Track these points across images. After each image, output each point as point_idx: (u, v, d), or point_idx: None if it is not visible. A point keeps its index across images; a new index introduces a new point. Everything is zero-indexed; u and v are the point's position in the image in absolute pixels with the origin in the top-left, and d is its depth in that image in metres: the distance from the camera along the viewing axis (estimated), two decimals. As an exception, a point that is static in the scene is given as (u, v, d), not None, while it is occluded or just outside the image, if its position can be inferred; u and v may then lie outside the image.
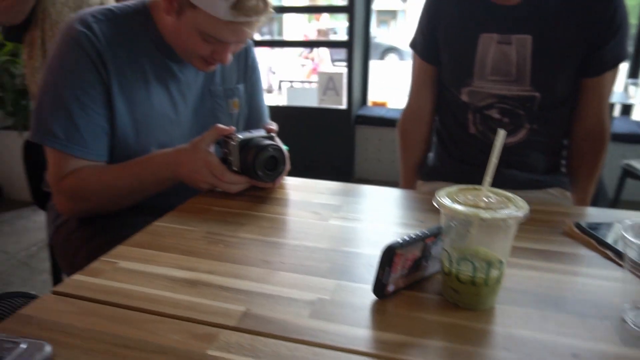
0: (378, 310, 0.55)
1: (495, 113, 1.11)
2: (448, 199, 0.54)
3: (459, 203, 0.53)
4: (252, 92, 1.17)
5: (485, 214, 0.50)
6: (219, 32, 0.86)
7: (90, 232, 0.95)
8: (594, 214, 0.88)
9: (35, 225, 2.68)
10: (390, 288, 0.56)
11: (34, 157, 1.19)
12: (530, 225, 0.78)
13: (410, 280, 0.59)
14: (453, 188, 0.57)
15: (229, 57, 0.94)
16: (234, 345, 0.48)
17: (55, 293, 0.57)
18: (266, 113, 1.22)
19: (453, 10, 1.13)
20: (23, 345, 0.45)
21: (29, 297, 0.61)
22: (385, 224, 0.80)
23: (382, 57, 11.11)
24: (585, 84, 1.09)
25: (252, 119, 1.18)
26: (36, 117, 0.91)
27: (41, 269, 2.19)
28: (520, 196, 0.54)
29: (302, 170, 1.07)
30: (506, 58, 1.07)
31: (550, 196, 1.15)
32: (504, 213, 0.50)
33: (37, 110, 0.91)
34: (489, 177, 0.54)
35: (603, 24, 1.01)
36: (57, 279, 1.25)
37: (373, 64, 3.55)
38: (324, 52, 5.88)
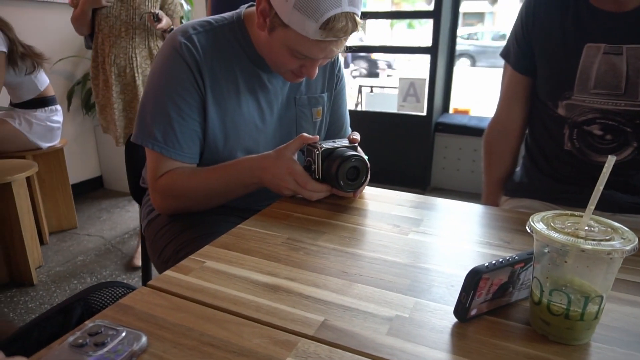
0: (458, 334, 0.53)
1: (596, 129, 1.03)
2: (543, 224, 0.51)
3: (556, 230, 0.49)
4: (335, 101, 1.18)
5: (586, 245, 0.46)
6: (308, 49, 0.88)
7: (178, 228, 1.01)
8: None
9: (128, 215, 2.92)
10: (473, 312, 0.54)
11: (134, 156, 1.30)
12: (634, 256, 0.71)
13: (494, 306, 0.56)
14: (549, 213, 0.53)
15: (316, 72, 0.96)
16: (312, 354, 0.49)
17: (150, 286, 0.62)
18: (347, 122, 1.23)
19: (553, 17, 1.06)
20: (123, 334, 0.50)
21: (127, 288, 0.67)
22: (467, 242, 0.77)
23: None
24: None
25: (334, 127, 1.20)
26: (139, 120, 0.99)
27: (131, 256, 2.38)
28: (621, 220, 0.50)
29: (377, 175, 1.06)
30: (614, 70, 0.98)
31: (658, 222, 1.04)
32: (607, 245, 0.46)
33: (140, 114, 0.99)
34: (592, 205, 0.50)
35: None
36: (146, 267, 1.35)
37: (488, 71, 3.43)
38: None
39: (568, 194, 1.09)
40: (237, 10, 1.03)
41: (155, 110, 0.96)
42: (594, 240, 0.47)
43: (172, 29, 2.21)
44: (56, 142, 2.50)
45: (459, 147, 3.32)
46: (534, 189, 1.16)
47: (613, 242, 0.47)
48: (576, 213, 0.53)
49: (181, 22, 2.39)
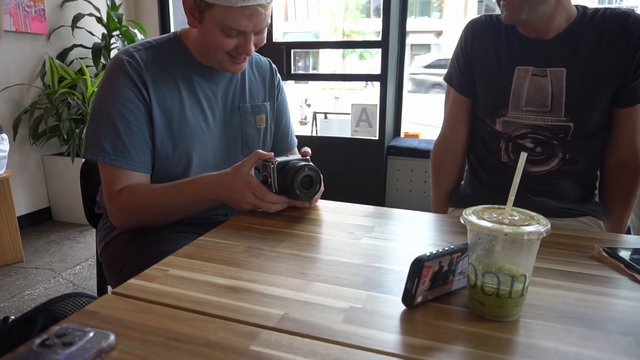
0: (406, 319, 0.58)
1: (528, 142, 1.14)
2: (474, 216, 0.58)
3: (485, 220, 0.57)
4: (278, 111, 1.27)
5: (508, 229, 0.53)
6: (237, 20, 0.96)
7: (138, 246, 1.02)
8: (626, 241, 0.89)
9: (79, 246, 2.82)
10: (419, 299, 0.60)
11: (89, 180, 1.30)
12: (559, 249, 0.81)
13: (437, 293, 0.62)
14: (479, 207, 0.61)
15: (252, 48, 1.03)
16: (274, 342, 0.53)
17: (114, 294, 0.64)
18: (292, 130, 1.33)
19: (488, 44, 1.18)
20: (91, 334, 0.52)
21: (90, 297, 0.68)
22: (415, 244, 0.84)
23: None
24: (618, 114, 1.12)
25: (279, 136, 1.29)
26: (88, 136, 1.03)
27: (84, 287, 2.30)
28: (551, 224, 0.57)
29: (335, 197, 1.13)
30: (541, 90, 1.10)
31: (583, 225, 1.15)
32: (526, 229, 0.54)
33: (88, 131, 1.03)
34: (512, 196, 0.57)
35: (636, 58, 1.04)
36: (101, 293, 1.33)
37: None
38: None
39: (505, 202, 1.20)
40: (173, 31, 1.13)
41: (103, 125, 1.00)
42: (514, 225, 0.55)
43: None
44: (1, 172, 2.41)
45: (410, 170, 3.46)
46: (476, 199, 1.25)
47: (530, 227, 0.54)
48: (502, 206, 0.61)
49: None
